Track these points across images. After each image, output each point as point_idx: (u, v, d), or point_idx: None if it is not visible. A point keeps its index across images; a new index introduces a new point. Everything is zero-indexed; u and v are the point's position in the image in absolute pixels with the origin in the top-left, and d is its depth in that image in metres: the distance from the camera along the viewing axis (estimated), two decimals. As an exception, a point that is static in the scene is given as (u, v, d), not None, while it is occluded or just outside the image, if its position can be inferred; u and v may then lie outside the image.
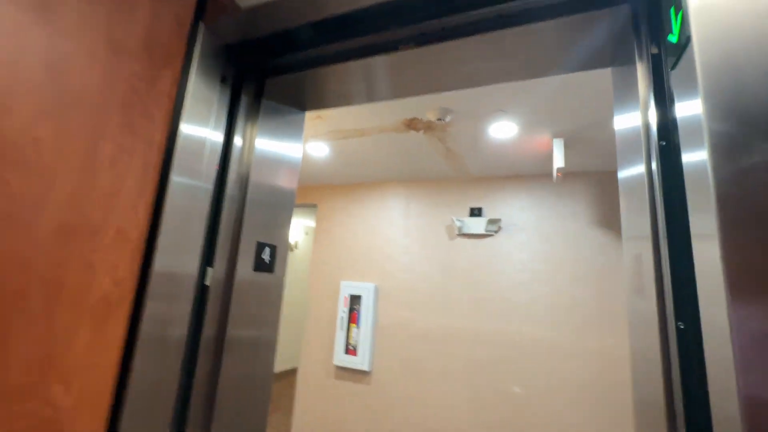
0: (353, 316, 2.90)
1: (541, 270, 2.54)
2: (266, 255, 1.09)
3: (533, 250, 2.59)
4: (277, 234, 1.16)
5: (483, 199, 2.81)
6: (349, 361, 2.82)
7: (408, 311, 2.84)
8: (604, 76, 1.39)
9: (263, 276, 1.08)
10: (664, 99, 0.70)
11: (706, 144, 0.48)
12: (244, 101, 1.12)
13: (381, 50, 1.04)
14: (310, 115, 1.95)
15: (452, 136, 2.13)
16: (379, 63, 1.07)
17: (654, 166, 0.68)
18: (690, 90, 0.53)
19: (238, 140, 1.08)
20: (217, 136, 1.00)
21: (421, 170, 2.81)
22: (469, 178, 2.87)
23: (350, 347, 2.85)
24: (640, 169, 0.75)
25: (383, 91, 1.22)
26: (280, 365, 4.83)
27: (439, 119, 1.88)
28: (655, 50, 0.74)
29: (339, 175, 3.10)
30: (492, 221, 2.72)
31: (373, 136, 2.25)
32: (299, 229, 5.44)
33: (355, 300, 2.94)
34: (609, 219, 2.43)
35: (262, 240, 1.09)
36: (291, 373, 4.77)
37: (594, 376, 2.28)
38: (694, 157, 0.53)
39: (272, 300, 1.11)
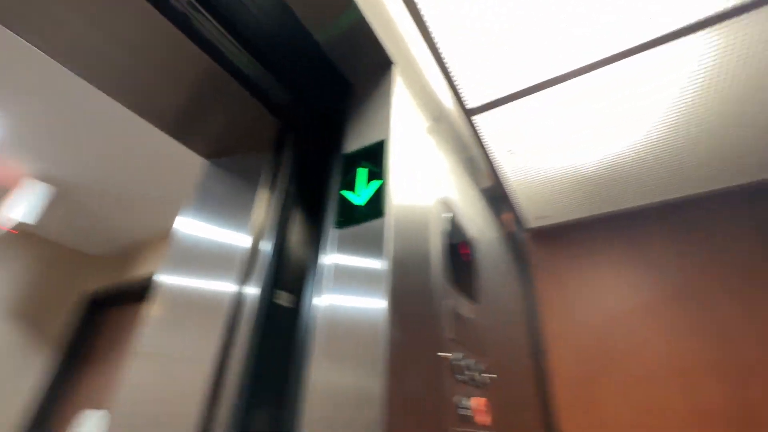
0: None
1: None
2: None
3: None
4: None
5: None
6: None
7: None
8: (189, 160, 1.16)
9: None
10: (284, 239, 0.61)
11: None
12: None
13: None
14: None
15: None
16: None
17: (257, 290, 0.54)
18: (370, 253, 0.47)
19: None
20: None
21: None
22: None
23: None
24: (226, 287, 0.57)
25: None
26: None
27: None
28: (293, 189, 0.67)
29: None
30: None
31: None
32: None
33: None
34: (26, 308, 1.75)
35: None
36: None
37: None
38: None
39: None
